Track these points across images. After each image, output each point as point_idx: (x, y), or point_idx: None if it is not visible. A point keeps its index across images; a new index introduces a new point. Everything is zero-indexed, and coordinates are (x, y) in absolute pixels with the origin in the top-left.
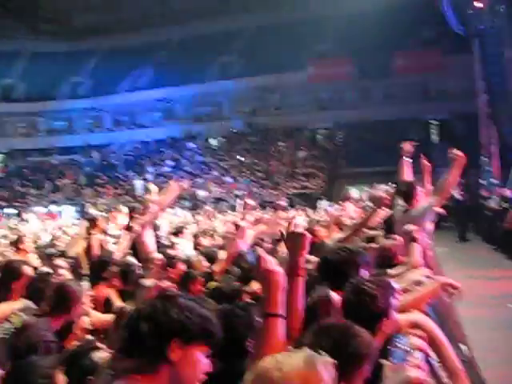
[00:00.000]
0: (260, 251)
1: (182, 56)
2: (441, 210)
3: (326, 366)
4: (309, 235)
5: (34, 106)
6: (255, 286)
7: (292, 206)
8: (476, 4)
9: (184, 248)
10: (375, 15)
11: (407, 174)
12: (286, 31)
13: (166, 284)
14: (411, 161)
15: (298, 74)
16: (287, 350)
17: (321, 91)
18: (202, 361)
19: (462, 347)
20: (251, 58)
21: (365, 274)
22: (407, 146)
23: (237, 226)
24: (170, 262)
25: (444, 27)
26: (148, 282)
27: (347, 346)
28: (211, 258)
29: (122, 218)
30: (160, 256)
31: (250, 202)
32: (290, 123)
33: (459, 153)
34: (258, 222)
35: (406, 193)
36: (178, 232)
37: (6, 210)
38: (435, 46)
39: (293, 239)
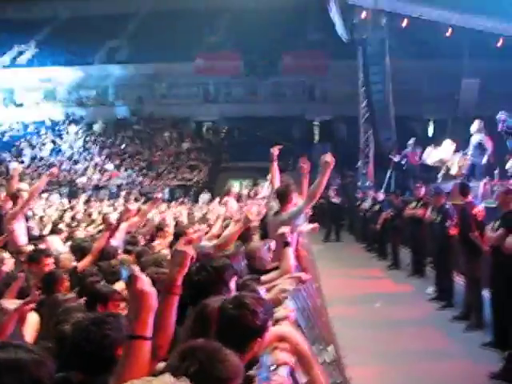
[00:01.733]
0: (135, 269)
1: (68, 35)
2: (309, 212)
3: None
4: (191, 253)
5: None
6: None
7: (173, 198)
8: (361, 14)
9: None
10: (269, 14)
11: (275, 178)
12: (179, 20)
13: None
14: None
15: (186, 65)
16: (151, 371)
17: (208, 84)
18: None
19: (329, 348)
20: (141, 44)
21: (233, 287)
22: (275, 151)
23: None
24: (37, 255)
25: (332, 32)
26: (9, 304)
27: (213, 370)
28: (82, 252)
29: None
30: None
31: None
32: (176, 114)
33: (329, 158)
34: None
35: (281, 195)
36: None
37: None
38: (322, 49)
39: (176, 255)
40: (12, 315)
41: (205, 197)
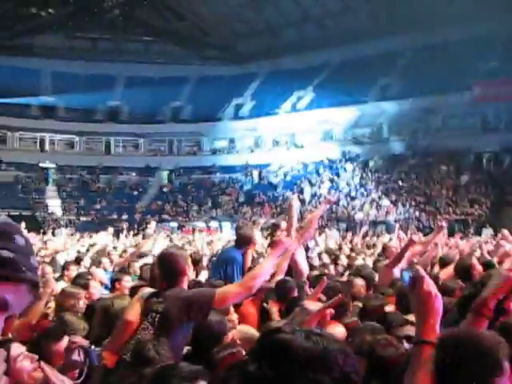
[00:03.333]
0: (420, 270)
1: (342, 78)
2: None
3: None
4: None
5: (199, 127)
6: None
7: (452, 233)
8: None
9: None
10: None
11: None
12: (449, 50)
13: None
14: None
15: (461, 95)
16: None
17: (486, 113)
18: None
19: None
20: (412, 79)
21: None
22: None
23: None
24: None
25: None
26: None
27: None
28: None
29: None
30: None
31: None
32: (452, 146)
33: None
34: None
35: None
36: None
37: (169, 224)
38: None
39: (497, 277)
40: (313, 316)
41: (487, 232)
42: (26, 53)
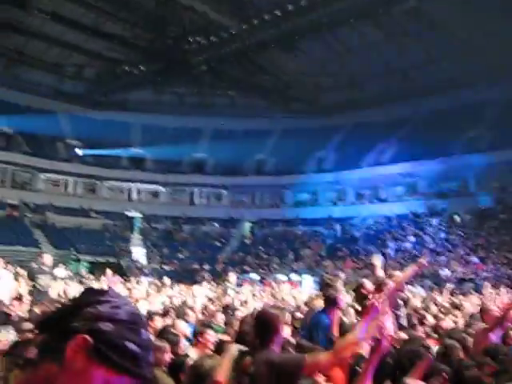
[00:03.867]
0: None
1: (426, 130)
2: None
3: None
4: None
5: (282, 179)
6: None
7: None
8: None
9: None
10: None
11: None
12: None
13: None
14: None
15: None
16: None
17: None
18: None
19: None
20: (500, 131)
21: None
22: None
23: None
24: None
25: None
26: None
27: None
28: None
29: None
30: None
31: None
32: None
33: None
34: None
35: None
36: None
37: (250, 275)
38: None
39: None
40: None
41: None
42: (118, 107)
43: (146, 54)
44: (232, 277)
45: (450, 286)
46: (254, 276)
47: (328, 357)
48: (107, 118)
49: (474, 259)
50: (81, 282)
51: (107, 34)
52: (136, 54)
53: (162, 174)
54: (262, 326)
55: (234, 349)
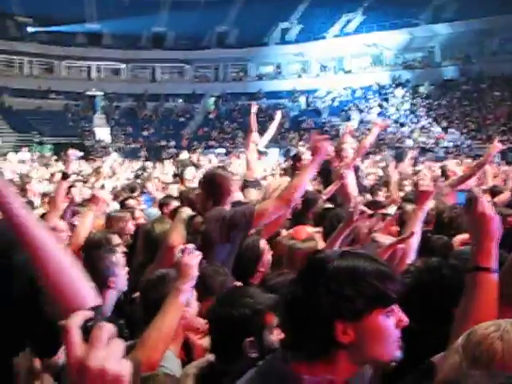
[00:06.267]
0: (476, 191)
1: (393, 0)
2: None
3: None
4: None
5: (245, 52)
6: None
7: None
8: None
9: None
10: None
11: None
12: None
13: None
14: None
15: None
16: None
17: None
18: (386, 325)
19: None
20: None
21: None
22: None
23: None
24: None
25: None
26: (383, 239)
27: None
28: None
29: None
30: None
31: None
32: (508, 71)
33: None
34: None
35: None
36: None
37: (217, 150)
38: None
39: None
40: (385, 249)
41: None
42: None
43: None
44: (184, 154)
45: (413, 153)
46: (220, 150)
47: (275, 202)
48: None
49: (437, 129)
50: (45, 165)
51: None
52: None
53: (121, 49)
54: (213, 186)
55: (185, 212)
